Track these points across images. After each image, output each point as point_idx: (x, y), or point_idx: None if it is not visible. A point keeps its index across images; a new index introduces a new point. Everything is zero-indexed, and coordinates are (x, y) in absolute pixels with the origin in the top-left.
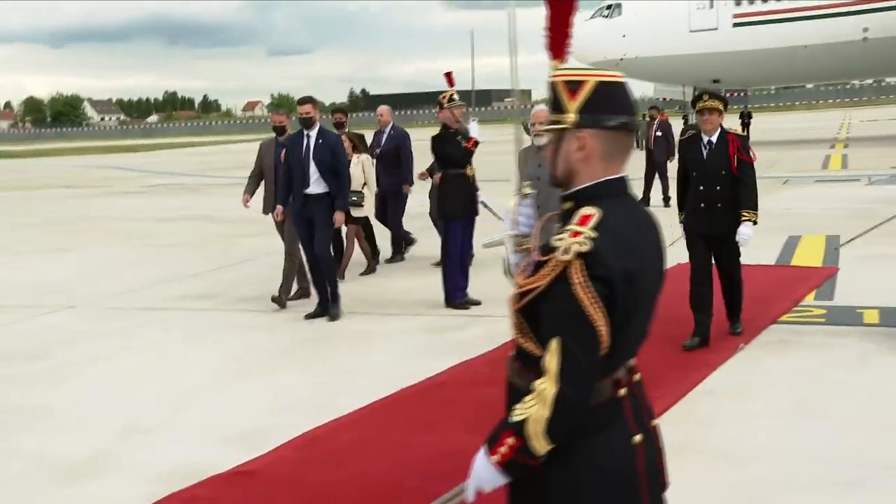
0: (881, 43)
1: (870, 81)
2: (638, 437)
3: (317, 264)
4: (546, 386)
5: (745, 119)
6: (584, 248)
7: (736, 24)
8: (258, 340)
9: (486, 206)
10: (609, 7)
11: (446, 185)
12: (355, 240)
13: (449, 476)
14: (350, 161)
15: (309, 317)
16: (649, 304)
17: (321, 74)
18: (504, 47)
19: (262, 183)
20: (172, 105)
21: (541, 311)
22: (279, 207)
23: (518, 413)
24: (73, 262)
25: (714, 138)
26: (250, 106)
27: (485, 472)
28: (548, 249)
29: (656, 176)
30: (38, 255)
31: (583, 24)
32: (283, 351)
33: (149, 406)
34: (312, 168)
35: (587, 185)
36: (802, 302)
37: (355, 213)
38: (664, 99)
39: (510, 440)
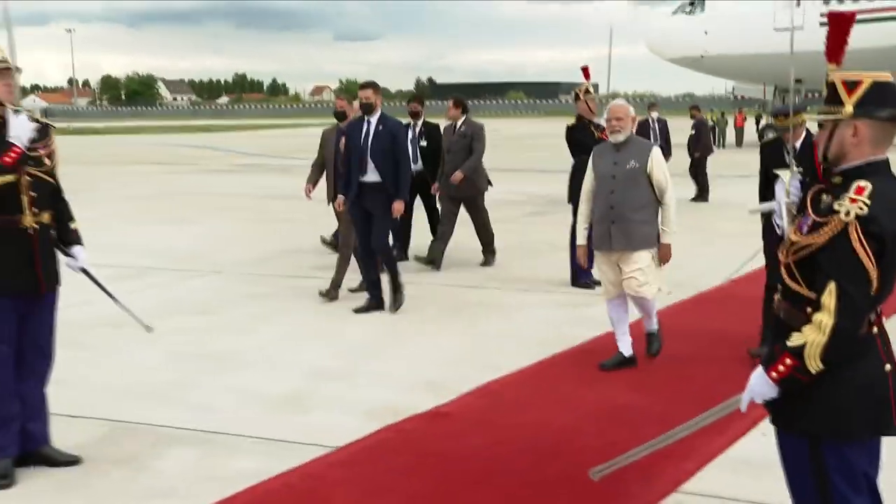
0: None
1: None
2: (888, 367)
3: (369, 256)
4: (823, 318)
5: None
6: (863, 212)
7: (823, 24)
8: (418, 304)
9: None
10: (692, 3)
11: (579, 172)
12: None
13: (626, 425)
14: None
15: (359, 311)
16: None
17: (388, 61)
18: (569, 39)
19: (325, 172)
20: (241, 87)
21: (819, 261)
22: (340, 197)
23: (796, 339)
24: (201, 232)
25: (798, 144)
26: (318, 90)
27: (762, 386)
28: (827, 212)
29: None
30: (165, 226)
31: (664, 20)
32: (431, 319)
33: (328, 357)
34: (370, 155)
35: (857, 163)
36: None
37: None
38: (742, 97)
39: (788, 360)
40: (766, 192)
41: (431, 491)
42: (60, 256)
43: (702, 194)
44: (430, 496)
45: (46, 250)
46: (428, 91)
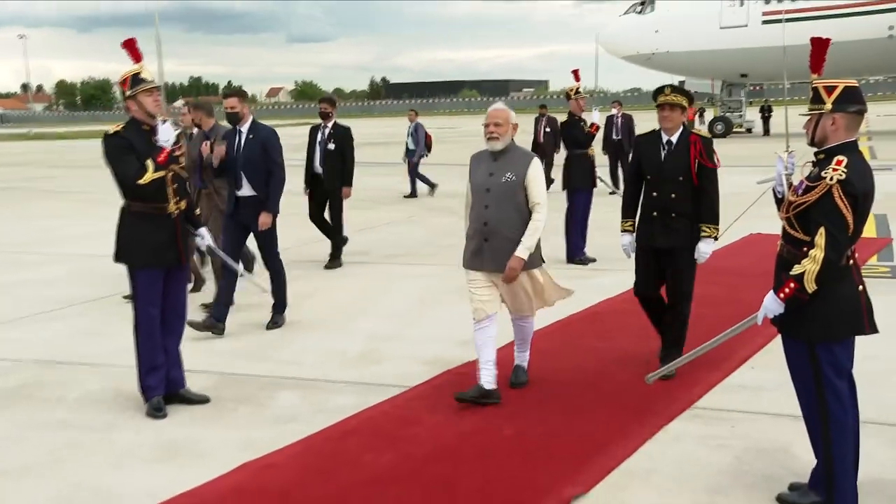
0: None
1: (880, 77)
2: (860, 287)
3: (233, 274)
4: (817, 253)
5: (766, 112)
6: (842, 177)
7: (765, 22)
8: (432, 283)
9: (601, 179)
10: (642, 3)
11: (572, 163)
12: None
13: (642, 365)
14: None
15: (193, 325)
16: (867, 214)
17: (340, 62)
18: (513, 40)
19: None
20: (197, 90)
21: (811, 213)
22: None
23: (797, 269)
24: None
25: (675, 139)
26: (273, 92)
27: (773, 304)
28: (816, 179)
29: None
30: None
31: (617, 20)
32: (451, 290)
33: (378, 324)
34: (241, 168)
35: (835, 144)
36: (868, 262)
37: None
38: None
39: (792, 284)
40: (634, 198)
41: (501, 409)
42: None
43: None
44: (502, 413)
45: (184, 231)
46: (382, 91)
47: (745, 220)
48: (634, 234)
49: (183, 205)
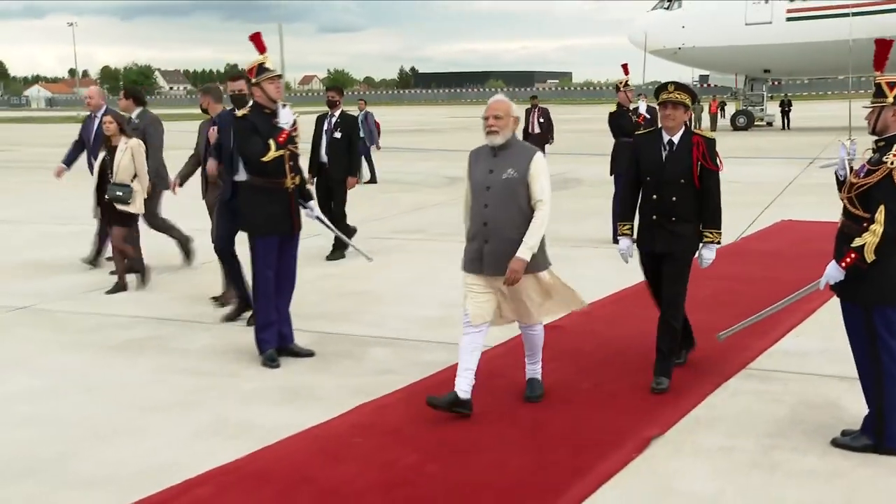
0: None
1: None
2: None
3: (229, 256)
4: (877, 227)
5: (786, 107)
6: None
7: (789, 19)
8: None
9: None
10: (670, 0)
11: (619, 150)
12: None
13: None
14: (117, 147)
15: (227, 319)
16: None
17: (369, 52)
18: (535, 31)
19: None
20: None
21: (871, 194)
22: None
23: (858, 241)
24: None
25: (676, 139)
26: (307, 80)
27: (835, 272)
28: (877, 163)
29: None
30: None
31: (644, 15)
32: None
33: (447, 292)
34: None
35: (895, 133)
36: None
37: (120, 208)
38: (714, 85)
39: (853, 255)
40: (631, 201)
41: (576, 366)
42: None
43: None
44: (577, 369)
45: (296, 203)
46: (412, 80)
47: (775, 208)
48: (632, 238)
49: (297, 180)
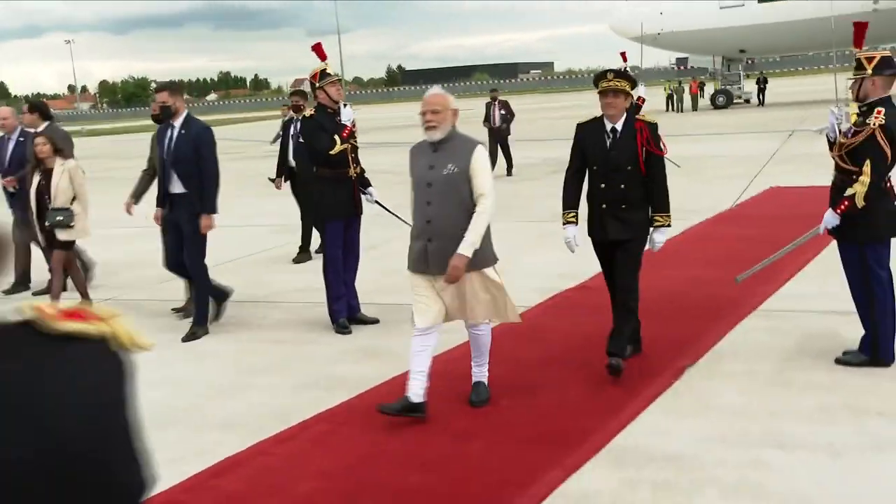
0: (890, 14)
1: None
2: None
3: (178, 272)
4: (864, 178)
5: (762, 84)
6: (882, 122)
7: (761, 1)
8: (514, 235)
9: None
10: None
11: None
12: (62, 271)
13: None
14: (52, 169)
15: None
16: None
17: (358, 52)
18: (519, 24)
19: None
20: (227, 84)
21: (857, 151)
22: (157, 209)
23: (850, 191)
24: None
25: (619, 126)
26: (298, 82)
27: (832, 218)
28: (861, 125)
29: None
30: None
31: (626, 4)
32: (536, 237)
33: None
34: (172, 164)
35: (874, 99)
36: None
37: (63, 236)
38: (692, 67)
39: (846, 202)
40: (576, 190)
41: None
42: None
43: None
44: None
45: (358, 189)
46: (399, 78)
47: (763, 177)
48: (576, 226)
49: (358, 169)
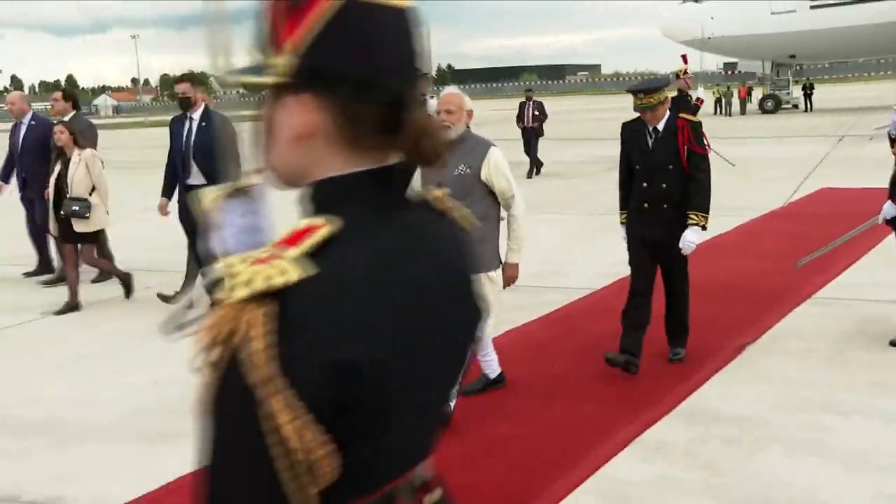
0: None
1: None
2: None
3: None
4: None
5: (808, 90)
6: None
7: (813, 7)
8: (570, 227)
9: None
10: None
11: None
12: (84, 265)
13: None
14: (70, 159)
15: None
16: None
17: None
18: (564, 26)
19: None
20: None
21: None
22: (162, 200)
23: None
24: None
25: (661, 125)
26: None
27: (891, 209)
28: None
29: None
30: None
31: (676, 8)
32: (592, 231)
33: (541, 256)
34: (193, 156)
35: None
36: None
37: (80, 227)
38: (740, 72)
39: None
40: (628, 189)
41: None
42: None
43: None
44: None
45: None
46: (449, 77)
47: (814, 179)
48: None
49: None
